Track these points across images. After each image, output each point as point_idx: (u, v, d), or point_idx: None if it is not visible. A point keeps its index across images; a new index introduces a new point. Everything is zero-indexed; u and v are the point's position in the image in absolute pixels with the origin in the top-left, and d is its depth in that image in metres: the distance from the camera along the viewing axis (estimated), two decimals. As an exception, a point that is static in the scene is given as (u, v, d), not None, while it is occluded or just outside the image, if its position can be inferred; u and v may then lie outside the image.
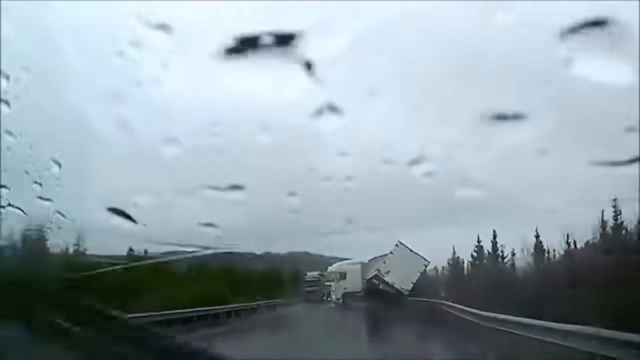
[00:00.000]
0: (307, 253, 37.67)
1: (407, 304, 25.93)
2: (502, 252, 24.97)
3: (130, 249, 22.29)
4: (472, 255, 27.26)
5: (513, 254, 23.99)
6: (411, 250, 27.80)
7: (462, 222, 23.95)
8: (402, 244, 27.67)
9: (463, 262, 28.66)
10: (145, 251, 19.91)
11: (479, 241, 26.22)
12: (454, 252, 28.81)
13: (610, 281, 11.19)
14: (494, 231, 25.03)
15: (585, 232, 19.50)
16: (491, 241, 25.71)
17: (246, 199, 7.88)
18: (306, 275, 37.44)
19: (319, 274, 36.93)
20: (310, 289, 36.68)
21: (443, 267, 31.25)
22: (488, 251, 26.09)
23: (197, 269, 26.32)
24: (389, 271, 28.14)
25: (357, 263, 32.47)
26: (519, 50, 11.91)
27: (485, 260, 26.16)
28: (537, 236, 22.51)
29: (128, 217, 6.67)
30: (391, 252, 28.21)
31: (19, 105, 8.15)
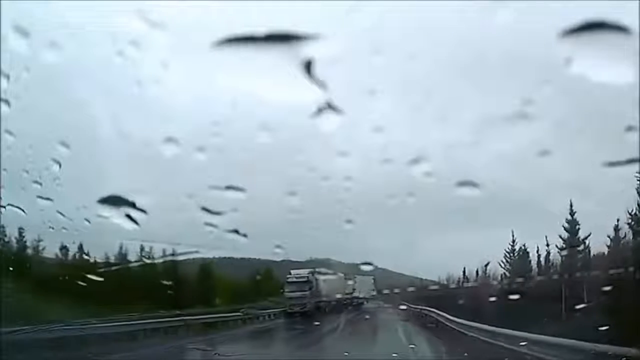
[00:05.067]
0: (328, 259, 28.69)
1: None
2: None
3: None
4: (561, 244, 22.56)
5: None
6: (362, 274, 33.12)
7: (462, 221, 24.09)
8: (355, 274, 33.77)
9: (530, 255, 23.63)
10: (126, 256, 19.04)
11: (573, 213, 21.31)
12: (514, 243, 24.62)
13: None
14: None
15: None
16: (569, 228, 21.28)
17: (246, 198, 7.87)
18: (289, 274, 26.71)
19: (309, 273, 26.73)
20: (294, 294, 25.90)
21: (487, 264, 27.31)
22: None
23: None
24: (354, 289, 34.24)
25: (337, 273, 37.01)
26: (519, 50, 11.95)
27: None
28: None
29: (123, 204, 6.67)
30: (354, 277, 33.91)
31: (19, 104, 8.17)
